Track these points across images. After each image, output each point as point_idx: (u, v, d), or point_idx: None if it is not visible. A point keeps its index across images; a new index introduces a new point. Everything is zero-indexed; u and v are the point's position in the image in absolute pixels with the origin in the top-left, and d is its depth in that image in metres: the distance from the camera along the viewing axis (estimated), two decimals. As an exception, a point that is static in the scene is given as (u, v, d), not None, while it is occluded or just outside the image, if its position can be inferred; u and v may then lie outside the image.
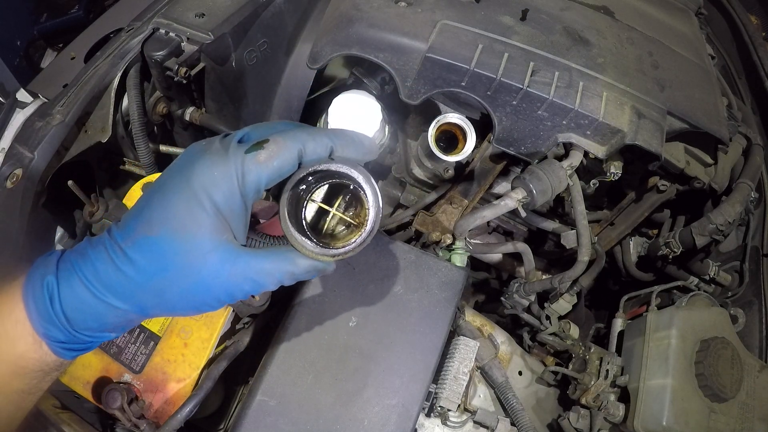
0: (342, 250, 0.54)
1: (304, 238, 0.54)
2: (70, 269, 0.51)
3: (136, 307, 0.52)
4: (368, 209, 0.55)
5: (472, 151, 1.08)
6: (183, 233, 0.49)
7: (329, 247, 0.54)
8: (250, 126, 0.55)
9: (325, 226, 0.59)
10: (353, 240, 0.54)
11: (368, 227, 0.55)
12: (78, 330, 0.52)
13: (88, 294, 0.50)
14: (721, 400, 0.92)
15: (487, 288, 1.51)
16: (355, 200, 0.60)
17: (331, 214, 0.58)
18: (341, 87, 1.26)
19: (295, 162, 0.51)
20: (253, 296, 0.92)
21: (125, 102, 1.10)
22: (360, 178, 0.54)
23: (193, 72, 1.09)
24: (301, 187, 0.56)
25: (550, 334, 1.12)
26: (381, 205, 0.55)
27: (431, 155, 1.10)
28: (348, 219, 0.58)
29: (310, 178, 0.55)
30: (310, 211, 0.58)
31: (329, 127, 0.55)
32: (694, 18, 1.36)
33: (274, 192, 0.55)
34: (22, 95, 1.12)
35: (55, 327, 0.51)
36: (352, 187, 0.57)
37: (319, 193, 0.58)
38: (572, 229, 1.20)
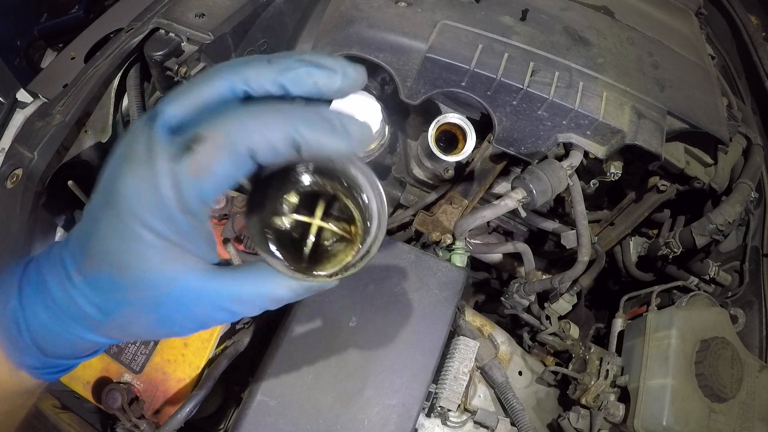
0: (332, 271, 0.42)
1: (280, 260, 0.41)
2: (32, 294, 0.44)
3: (104, 338, 0.46)
4: (367, 213, 0.41)
5: (472, 151, 1.08)
6: (128, 271, 0.40)
7: (320, 265, 0.42)
8: (181, 93, 0.39)
9: (310, 237, 0.43)
10: (348, 258, 0.42)
11: (369, 238, 0.41)
12: (52, 357, 0.47)
13: (55, 324, 0.44)
14: (721, 400, 0.92)
15: (487, 288, 1.51)
16: (348, 199, 0.43)
17: (314, 225, 0.43)
18: (341, 87, 1.26)
19: (247, 164, 0.37)
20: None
21: (125, 102, 1.10)
22: (352, 169, 0.41)
23: (193, 72, 1.09)
24: (277, 188, 0.42)
25: (550, 334, 1.12)
26: (384, 197, 0.41)
27: (431, 155, 1.10)
28: (339, 231, 0.43)
29: (287, 176, 0.41)
30: (287, 219, 0.43)
31: (297, 104, 0.39)
32: (694, 18, 1.36)
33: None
34: (22, 95, 1.12)
35: (28, 356, 0.46)
36: (343, 183, 0.42)
37: (295, 197, 0.42)
38: (572, 229, 1.20)
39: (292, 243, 0.43)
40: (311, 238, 0.43)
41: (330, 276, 0.42)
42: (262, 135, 0.36)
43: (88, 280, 0.41)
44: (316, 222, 0.42)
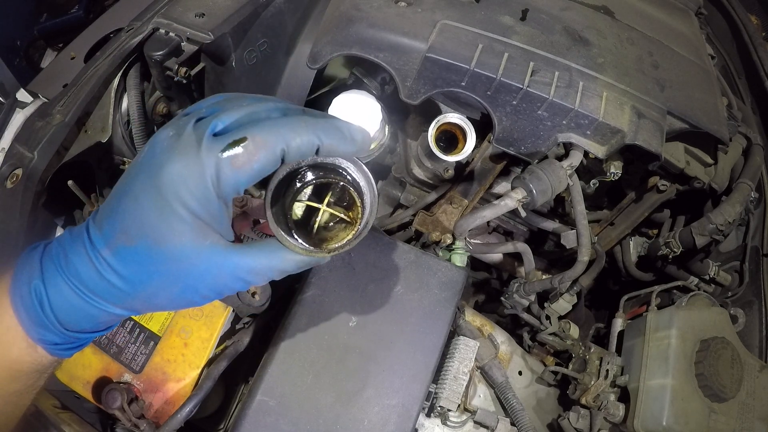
0: (337, 245, 0.53)
1: (295, 240, 0.52)
2: (55, 272, 0.49)
3: (127, 310, 0.51)
4: (364, 204, 0.53)
5: (472, 151, 1.08)
6: (163, 244, 0.46)
7: (324, 243, 0.53)
8: (226, 107, 0.49)
9: (318, 220, 0.56)
10: (349, 236, 0.53)
11: (363, 220, 0.53)
12: (72, 331, 0.51)
13: (78, 299, 0.49)
14: (721, 400, 0.92)
15: (487, 288, 1.51)
16: (349, 191, 0.56)
17: (322, 210, 0.55)
18: (341, 87, 1.26)
19: (277, 162, 0.47)
20: (253, 296, 0.92)
21: (125, 102, 1.10)
22: (351, 168, 0.53)
23: (193, 72, 1.09)
24: (287, 184, 0.53)
25: (550, 334, 1.12)
26: (376, 194, 0.53)
27: (431, 155, 1.10)
28: (340, 215, 0.55)
29: (297, 174, 0.53)
30: (300, 205, 0.55)
31: (318, 118, 0.50)
32: (694, 18, 1.36)
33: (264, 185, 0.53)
34: (22, 95, 1.12)
35: (49, 331, 0.50)
36: (347, 177, 0.54)
37: (309, 188, 0.55)
38: (572, 229, 1.20)
39: (300, 228, 0.54)
40: (318, 220, 0.55)
41: (329, 252, 0.52)
42: (293, 140, 0.46)
43: (119, 255, 0.47)
44: (324, 207, 0.54)
